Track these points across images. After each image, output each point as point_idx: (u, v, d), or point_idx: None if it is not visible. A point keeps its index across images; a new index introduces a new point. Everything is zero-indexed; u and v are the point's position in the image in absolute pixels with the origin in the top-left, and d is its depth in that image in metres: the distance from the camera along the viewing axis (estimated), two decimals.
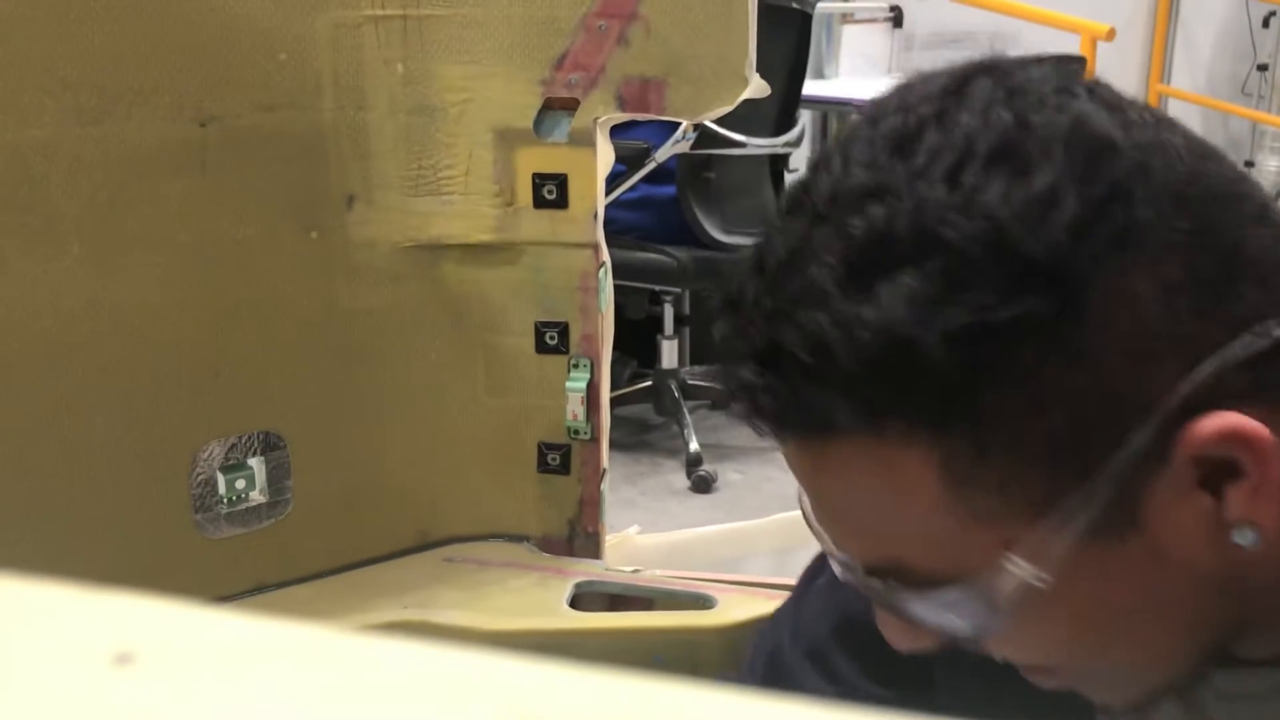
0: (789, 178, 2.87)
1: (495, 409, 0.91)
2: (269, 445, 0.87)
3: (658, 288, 2.67)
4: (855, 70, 3.86)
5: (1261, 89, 5.29)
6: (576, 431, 0.90)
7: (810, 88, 2.98)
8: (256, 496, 0.87)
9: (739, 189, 2.64)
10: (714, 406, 3.05)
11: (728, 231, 2.56)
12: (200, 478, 0.85)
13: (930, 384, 0.41)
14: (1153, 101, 5.18)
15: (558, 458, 0.91)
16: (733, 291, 0.45)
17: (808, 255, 0.43)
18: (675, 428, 2.77)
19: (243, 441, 0.86)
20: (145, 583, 0.41)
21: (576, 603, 0.84)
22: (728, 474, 2.66)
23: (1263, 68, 5.23)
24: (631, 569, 0.89)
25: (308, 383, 0.87)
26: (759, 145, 2.58)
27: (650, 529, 1.00)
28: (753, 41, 0.81)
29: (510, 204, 0.86)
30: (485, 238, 0.87)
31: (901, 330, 0.40)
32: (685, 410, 2.74)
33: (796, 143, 2.77)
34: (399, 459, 0.91)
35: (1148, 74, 5.21)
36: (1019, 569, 0.43)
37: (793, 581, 0.72)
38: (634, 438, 2.85)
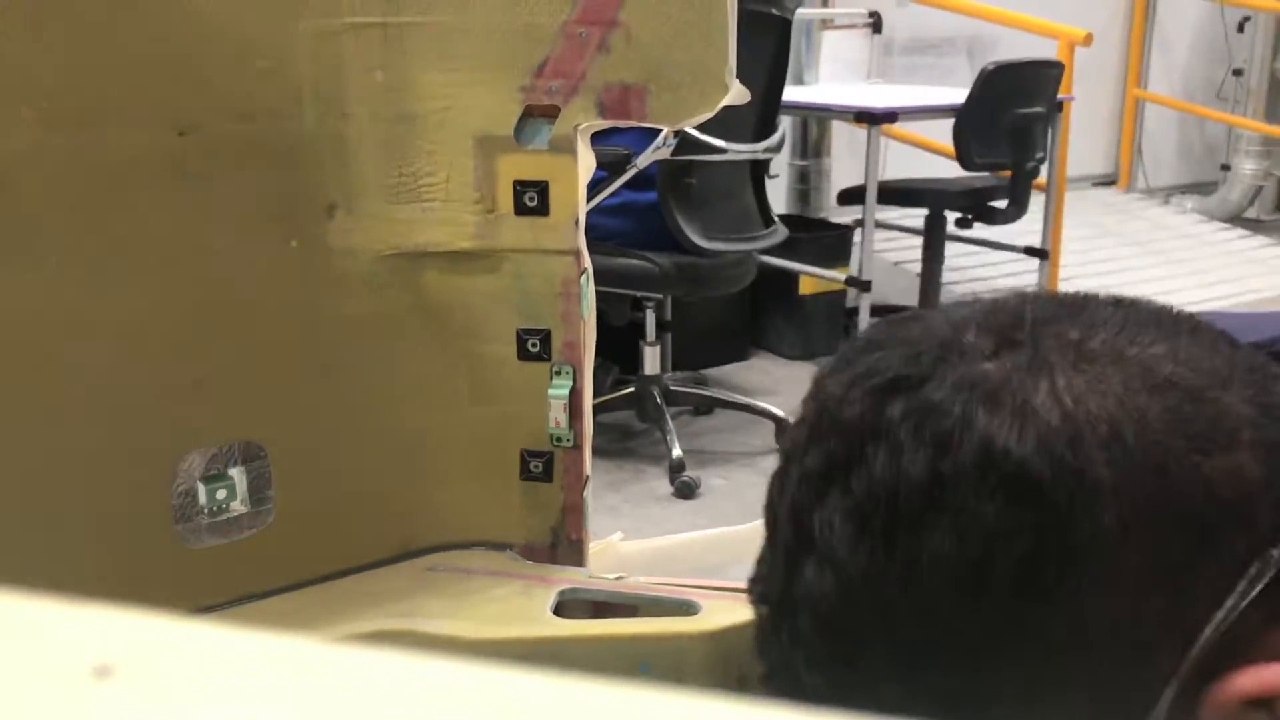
0: (769, 184, 2.88)
1: (477, 417, 0.91)
2: (250, 455, 0.87)
3: (639, 294, 2.68)
4: (835, 76, 3.88)
5: (1237, 93, 5.33)
6: (559, 439, 0.90)
7: (790, 93, 3.00)
8: (238, 506, 0.87)
9: (720, 194, 2.65)
10: (696, 412, 3.05)
11: (709, 237, 2.56)
12: (181, 488, 0.84)
13: None
14: (1129, 106, 5.22)
15: (540, 465, 0.91)
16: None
17: None
18: (658, 434, 2.78)
19: (223, 451, 0.86)
20: (127, 594, 0.41)
21: (560, 610, 0.84)
22: (710, 480, 2.67)
23: (1238, 72, 5.28)
24: (615, 576, 0.89)
25: (289, 392, 0.87)
26: (739, 151, 2.59)
27: (634, 535, 1.00)
28: (733, 48, 0.81)
29: (491, 211, 0.86)
30: (466, 245, 0.87)
31: None
32: (668, 416, 2.75)
33: (777, 148, 2.78)
34: (381, 467, 0.91)
35: (1124, 79, 5.25)
36: None
37: None
38: (617, 444, 2.85)
